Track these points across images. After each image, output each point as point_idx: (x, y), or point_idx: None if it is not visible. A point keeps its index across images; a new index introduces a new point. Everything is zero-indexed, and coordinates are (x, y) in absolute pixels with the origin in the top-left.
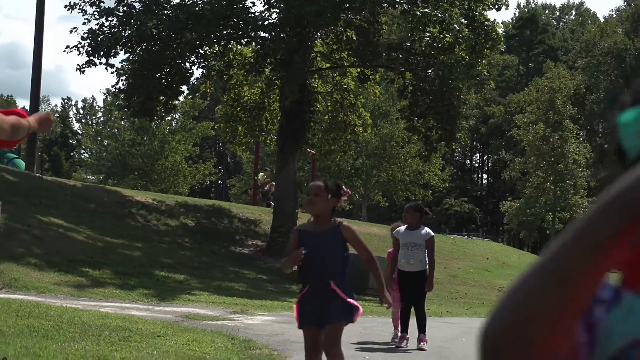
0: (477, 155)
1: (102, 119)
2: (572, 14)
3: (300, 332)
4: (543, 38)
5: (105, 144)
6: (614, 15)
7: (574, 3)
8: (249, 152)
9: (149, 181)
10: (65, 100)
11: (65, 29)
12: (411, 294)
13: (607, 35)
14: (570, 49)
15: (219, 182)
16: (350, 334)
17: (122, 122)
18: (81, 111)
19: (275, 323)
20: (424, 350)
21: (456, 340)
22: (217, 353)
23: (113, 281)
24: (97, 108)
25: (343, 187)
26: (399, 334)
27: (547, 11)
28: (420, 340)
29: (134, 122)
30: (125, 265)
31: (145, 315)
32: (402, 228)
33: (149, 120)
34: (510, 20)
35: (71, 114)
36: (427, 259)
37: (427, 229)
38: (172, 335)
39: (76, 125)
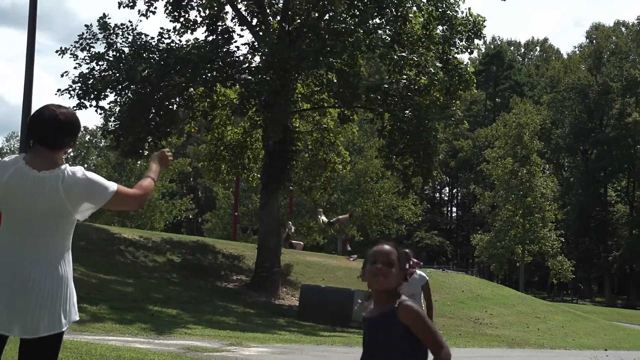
0: (447, 188)
1: (72, 154)
2: (536, 50)
3: (300, 359)
4: (509, 74)
5: None
6: (577, 52)
7: (538, 40)
8: (232, 189)
9: (126, 217)
10: None
11: (39, 66)
12: None
13: (571, 72)
14: (536, 85)
15: (190, 217)
16: None
17: (94, 158)
18: None
19: (271, 354)
20: None
21: None
22: None
23: (111, 316)
24: None
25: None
26: None
27: (512, 47)
28: None
29: (109, 159)
30: (120, 301)
31: (151, 348)
32: None
33: (136, 160)
34: (477, 56)
35: None
36: (422, 301)
37: (421, 273)
38: None
39: None
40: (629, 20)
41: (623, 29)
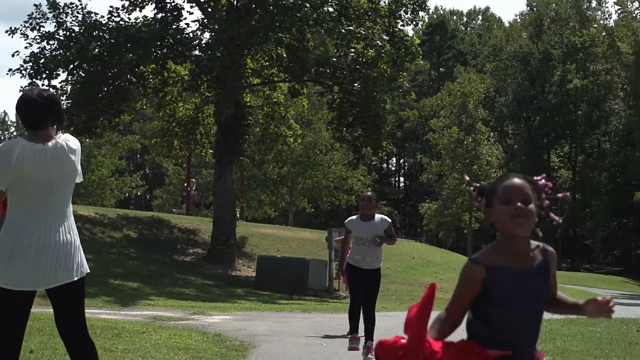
0: (394, 159)
1: (15, 134)
2: (478, 19)
3: (262, 324)
4: (452, 43)
5: None
6: (519, 20)
7: (480, 8)
8: (184, 164)
9: (76, 195)
10: None
11: None
12: (363, 292)
13: (513, 40)
14: (479, 54)
15: (138, 193)
16: (301, 328)
17: None
18: None
19: (234, 321)
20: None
21: (396, 329)
22: (198, 344)
23: None
24: (9, 123)
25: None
26: (350, 335)
27: (455, 17)
28: (368, 349)
29: None
30: None
31: (119, 319)
32: (355, 218)
33: (89, 138)
34: (420, 27)
35: None
36: (382, 253)
37: (382, 217)
38: (154, 332)
39: None
40: None
41: None
